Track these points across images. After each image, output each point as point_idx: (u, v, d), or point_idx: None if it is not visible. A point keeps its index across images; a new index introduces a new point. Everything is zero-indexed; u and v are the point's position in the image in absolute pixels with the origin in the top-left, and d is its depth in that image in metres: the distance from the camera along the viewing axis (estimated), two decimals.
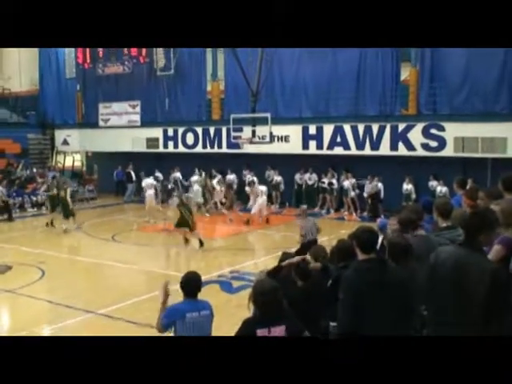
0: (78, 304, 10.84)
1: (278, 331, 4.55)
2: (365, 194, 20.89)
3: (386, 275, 4.46)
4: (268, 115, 19.20)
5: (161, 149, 26.15)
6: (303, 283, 5.53)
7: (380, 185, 20.37)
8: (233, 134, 20.66)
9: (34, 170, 26.36)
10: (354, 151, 21.12)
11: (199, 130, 24.84)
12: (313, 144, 21.94)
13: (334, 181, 21.78)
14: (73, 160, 30.18)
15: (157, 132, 26.09)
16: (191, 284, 5.32)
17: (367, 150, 20.88)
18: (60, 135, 29.55)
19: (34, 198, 24.32)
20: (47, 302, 11.25)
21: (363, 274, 4.44)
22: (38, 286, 12.32)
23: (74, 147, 29.39)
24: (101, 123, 27.96)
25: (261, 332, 4.48)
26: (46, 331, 9.97)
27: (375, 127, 20.65)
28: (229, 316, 8.97)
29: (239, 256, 14.92)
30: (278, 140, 21.79)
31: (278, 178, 23.08)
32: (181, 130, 25.36)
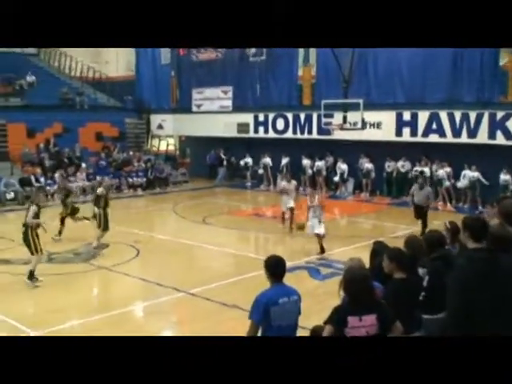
0: (170, 283, 11.19)
1: (370, 320, 4.49)
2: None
3: (498, 265, 4.30)
4: (360, 101, 18.89)
5: (251, 134, 26.37)
6: (402, 275, 5.36)
7: (477, 174, 19.59)
8: (323, 119, 20.49)
9: (131, 153, 27.34)
10: (450, 139, 20.40)
11: (289, 115, 24.82)
12: (407, 131, 21.40)
13: (426, 169, 21.11)
14: (167, 144, 31.08)
15: (248, 117, 26.33)
16: (279, 267, 5.20)
17: (464, 138, 20.10)
18: (155, 120, 30.47)
19: (130, 180, 25.31)
20: (141, 280, 11.69)
21: (476, 264, 4.31)
22: (132, 265, 12.82)
23: (168, 131, 30.26)
24: (194, 108, 28.57)
25: (352, 320, 4.44)
26: (139, 308, 10.40)
27: (472, 115, 19.81)
28: (317, 302, 8.97)
29: (327, 243, 14.78)
30: (370, 126, 21.41)
31: (368, 166, 22.68)
32: (271, 116, 25.46)
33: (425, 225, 14.94)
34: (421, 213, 15.30)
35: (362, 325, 4.46)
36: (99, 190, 14.44)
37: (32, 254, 11.02)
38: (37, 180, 22.57)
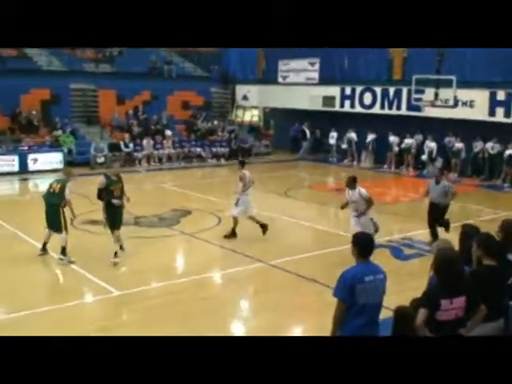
0: (250, 253, 11.30)
1: (459, 302, 4.48)
2: None
3: None
4: (453, 78, 18.19)
5: (337, 108, 25.97)
6: (491, 261, 5.13)
7: None
8: (414, 95, 19.89)
9: (215, 123, 27.63)
10: None
11: (378, 89, 24.23)
12: (500, 111, 20.42)
13: (509, 151, 20.08)
14: (251, 115, 31.20)
15: (334, 90, 25.92)
16: (368, 245, 5.10)
17: None
18: (240, 90, 30.56)
19: (214, 149, 25.63)
20: (221, 248, 11.87)
21: None
22: (214, 232, 13.01)
23: (252, 102, 30.32)
24: (280, 80, 28.43)
25: (444, 303, 4.42)
26: (218, 274, 10.57)
27: None
28: (398, 283, 8.80)
29: (411, 223, 14.44)
30: (462, 104, 20.59)
31: (459, 145, 21.87)
32: (359, 90, 24.94)
33: (446, 227, 11.77)
34: (437, 213, 12.01)
35: (453, 307, 4.45)
36: (99, 181, 10.79)
37: (60, 231, 10.53)
38: (126, 145, 23.30)
